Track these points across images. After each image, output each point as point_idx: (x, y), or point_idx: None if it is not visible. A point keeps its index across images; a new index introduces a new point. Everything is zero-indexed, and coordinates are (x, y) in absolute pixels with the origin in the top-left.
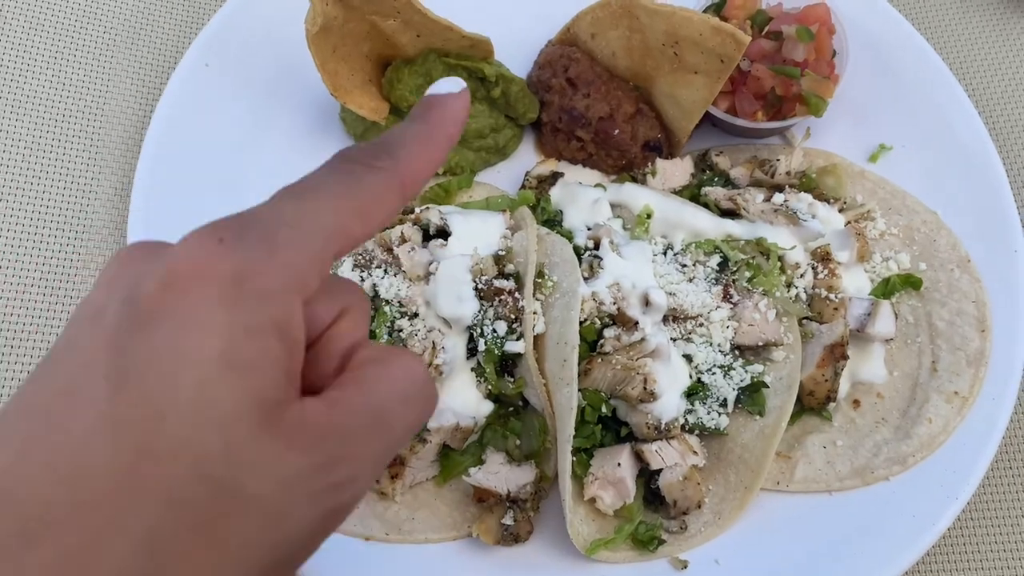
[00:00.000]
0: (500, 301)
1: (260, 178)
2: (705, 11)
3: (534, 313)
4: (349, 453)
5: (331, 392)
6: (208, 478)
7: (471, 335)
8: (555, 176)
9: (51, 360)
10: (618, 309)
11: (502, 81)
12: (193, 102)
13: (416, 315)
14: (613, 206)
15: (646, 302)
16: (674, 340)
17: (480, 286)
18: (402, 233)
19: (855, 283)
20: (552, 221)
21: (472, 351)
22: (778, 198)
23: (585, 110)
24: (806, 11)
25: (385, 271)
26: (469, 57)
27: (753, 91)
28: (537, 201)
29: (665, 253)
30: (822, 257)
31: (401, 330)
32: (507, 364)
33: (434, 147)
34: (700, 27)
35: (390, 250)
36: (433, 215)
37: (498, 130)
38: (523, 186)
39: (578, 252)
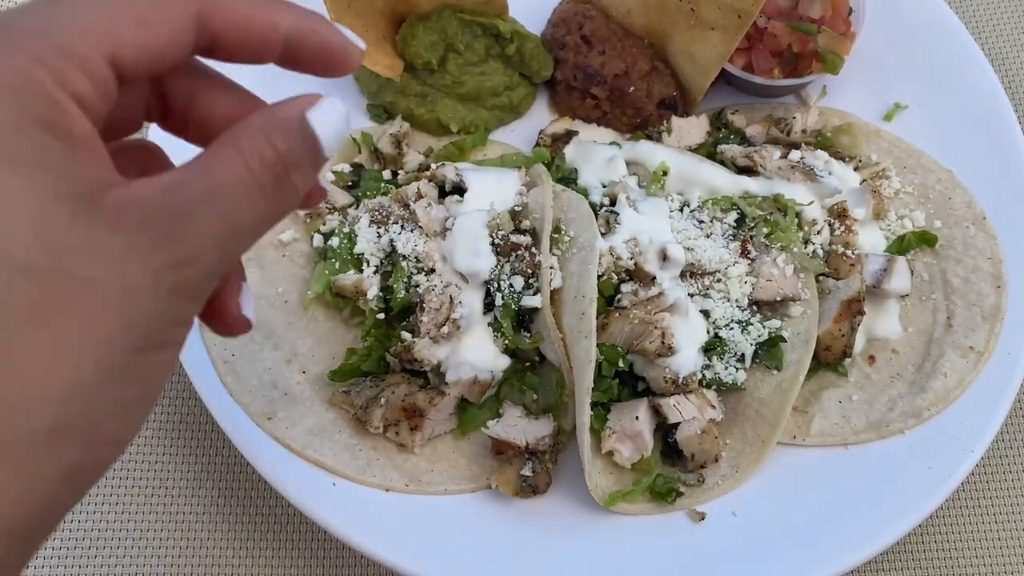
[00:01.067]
0: (517, 256)
1: None
2: None
3: (551, 268)
4: (186, 232)
5: (170, 174)
6: (31, 271)
7: (488, 290)
8: (569, 134)
9: None
10: (635, 264)
11: (517, 38)
12: None
13: (433, 270)
14: (628, 164)
15: (663, 257)
16: (691, 295)
17: (497, 241)
18: (418, 189)
19: (871, 240)
20: (567, 179)
21: (489, 306)
22: (794, 155)
23: (600, 67)
24: None
25: (402, 227)
26: (483, 13)
27: (770, 48)
28: (552, 159)
29: (682, 210)
30: (839, 214)
31: (418, 285)
32: (524, 319)
33: None
34: None
35: (407, 206)
36: (449, 171)
37: (512, 88)
38: (537, 144)
39: (594, 208)
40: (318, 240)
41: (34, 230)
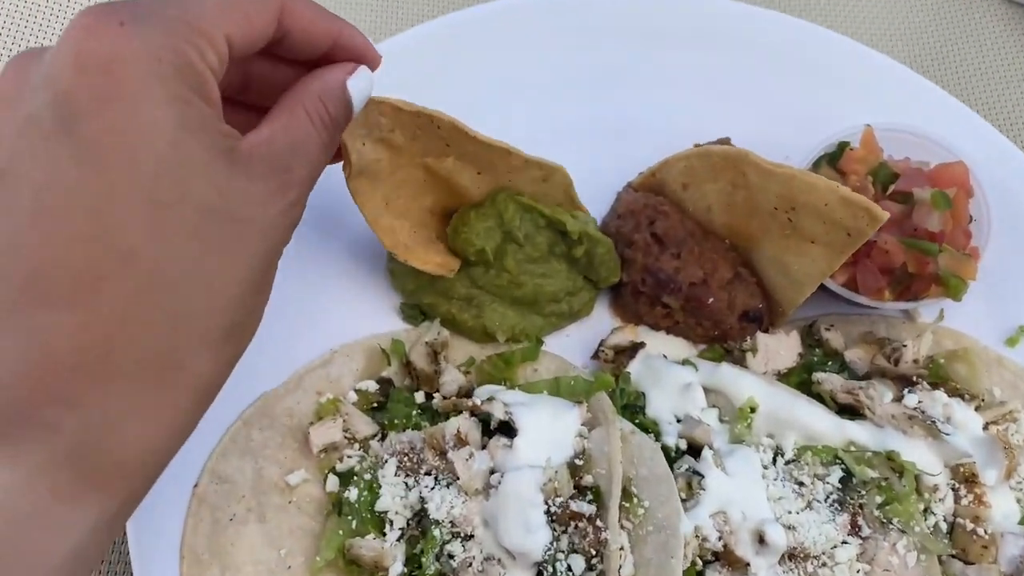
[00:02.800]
0: (577, 529)
1: (314, 337)
2: (818, 162)
3: (620, 549)
4: (292, 179)
5: (262, 131)
6: (212, 213)
7: (540, 572)
8: (635, 347)
9: (5, 185)
10: (725, 546)
11: (587, 240)
12: None
13: (471, 536)
14: (707, 391)
15: (760, 539)
16: None
17: (553, 509)
18: (458, 431)
19: (1000, 506)
20: (633, 407)
21: None
22: (911, 400)
23: (675, 273)
24: (940, 170)
25: (436, 479)
26: (543, 197)
27: (879, 264)
28: (614, 381)
29: (774, 460)
30: (966, 479)
31: (452, 556)
32: None
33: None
34: (826, 196)
35: (443, 453)
36: (496, 408)
37: (574, 293)
38: (596, 355)
39: (668, 454)
40: (332, 483)
41: (209, 181)
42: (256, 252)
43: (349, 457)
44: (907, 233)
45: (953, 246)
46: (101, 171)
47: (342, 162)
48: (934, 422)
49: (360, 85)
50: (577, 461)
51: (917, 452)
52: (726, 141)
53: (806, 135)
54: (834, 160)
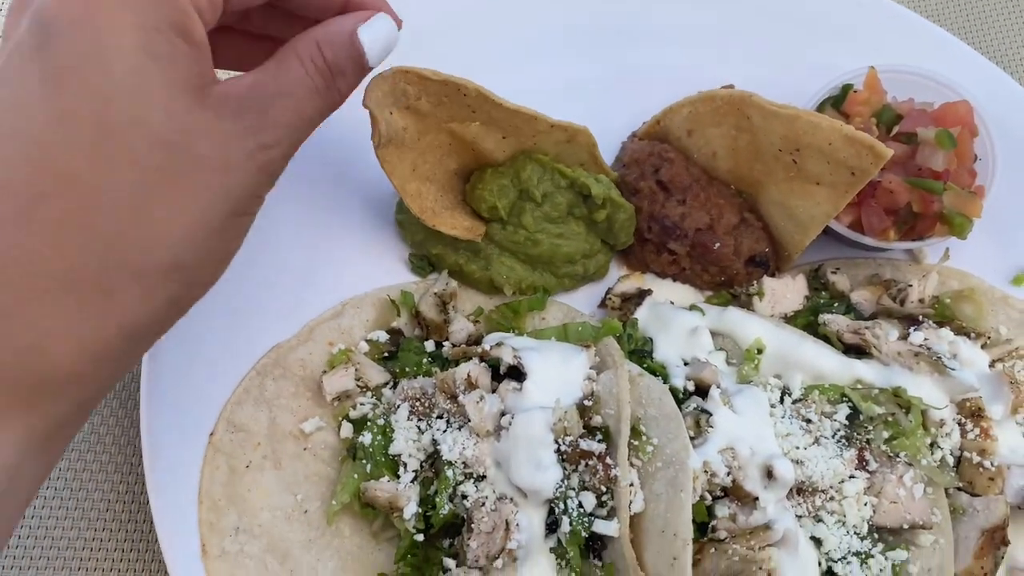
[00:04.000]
0: (588, 467)
1: (323, 290)
2: (821, 105)
3: (631, 486)
4: (268, 122)
5: (250, 75)
6: (163, 143)
7: (551, 508)
8: (642, 294)
9: None
10: (733, 481)
11: (610, 205)
12: None
13: (483, 477)
14: (713, 335)
15: (768, 474)
16: (799, 518)
17: (563, 448)
18: (468, 375)
19: (1007, 440)
20: (640, 352)
21: (552, 527)
22: (916, 337)
23: (680, 219)
24: (945, 109)
25: (448, 423)
26: (566, 159)
27: (884, 205)
28: (623, 327)
29: (782, 399)
30: (972, 413)
31: (465, 497)
32: (594, 544)
33: None
34: (829, 135)
35: (454, 397)
36: (505, 353)
37: (590, 256)
38: (603, 303)
39: (676, 395)
40: (347, 429)
41: (166, 111)
42: (213, 192)
43: (362, 404)
44: (911, 173)
45: (958, 185)
46: (59, 92)
47: (370, 131)
48: (940, 358)
49: (376, 35)
50: (586, 403)
51: (923, 388)
52: (729, 88)
53: (809, 81)
54: (838, 103)
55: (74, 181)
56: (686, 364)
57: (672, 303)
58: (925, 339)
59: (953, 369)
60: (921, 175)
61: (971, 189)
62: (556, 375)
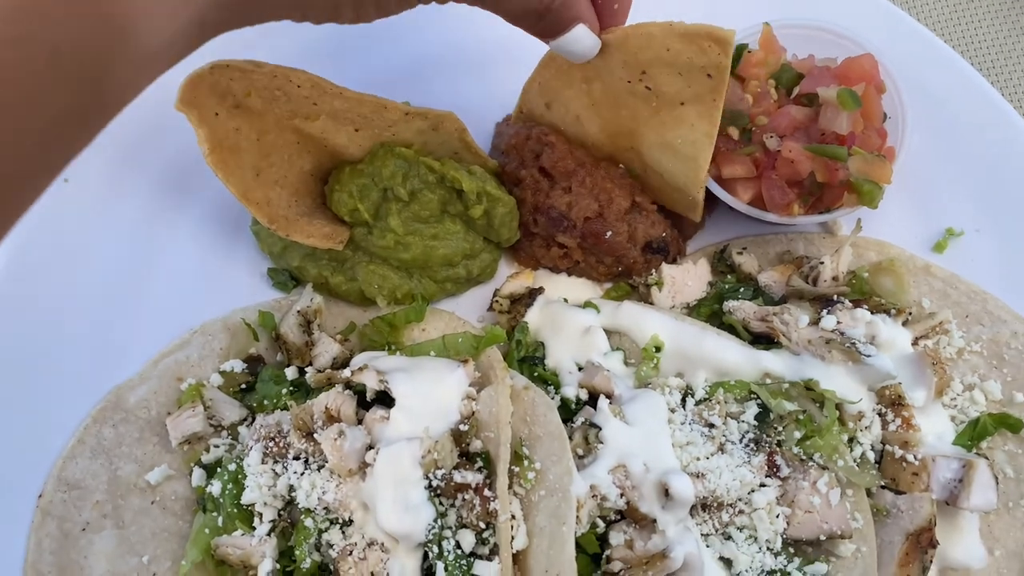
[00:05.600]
0: (464, 502)
1: (169, 317)
2: None
3: (512, 518)
4: None
5: None
6: None
7: (426, 552)
8: (532, 293)
9: None
10: (628, 503)
11: (486, 199)
12: (52, 223)
13: (351, 522)
14: (610, 333)
15: (665, 492)
16: (706, 536)
17: (435, 483)
18: (326, 408)
19: (933, 427)
20: (531, 359)
21: (430, 571)
22: (828, 321)
23: (567, 209)
24: (847, 65)
25: (307, 463)
26: (433, 151)
27: (785, 176)
28: (510, 332)
29: (684, 402)
30: (892, 401)
31: (332, 545)
32: None
33: None
34: (664, 41)
35: (310, 435)
36: (369, 378)
37: (473, 256)
38: (491, 307)
39: (568, 409)
40: (198, 476)
41: None
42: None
43: (216, 447)
44: (815, 138)
45: (866, 148)
46: None
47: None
48: (854, 344)
49: None
50: (462, 427)
51: (837, 378)
52: None
53: None
54: (732, 66)
55: None
56: (581, 369)
57: (566, 300)
58: (838, 323)
59: (869, 356)
60: (825, 140)
61: (880, 152)
62: (428, 398)
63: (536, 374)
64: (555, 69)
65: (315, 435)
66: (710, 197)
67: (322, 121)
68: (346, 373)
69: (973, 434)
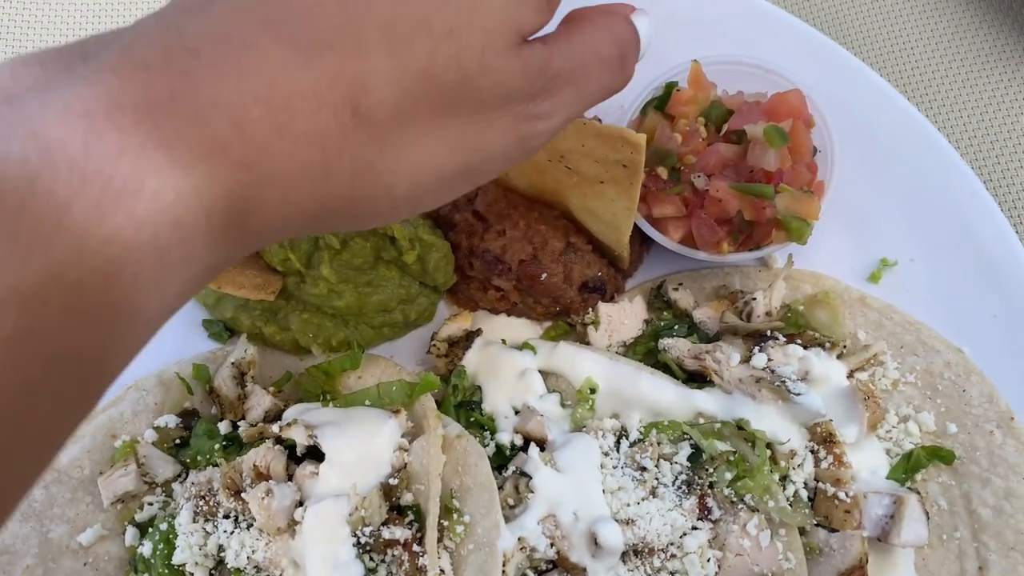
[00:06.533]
0: (394, 558)
1: None
2: (644, 109)
3: (441, 573)
4: (551, 89)
5: (547, 39)
6: (461, 68)
7: None
8: (470, 336)
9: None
10: (558, 552)
11: (419, 245)
12: None
13: None
14: (547, 374)
15: (595, 541)
16: None
17: (364, 540)
18: (255, 465)
19: (868, 461)
20: (468, 404)
21: None
22: (759, 359)
23: (502, 252)
24: (775, 100)
25: (236, 522)
26: None
27: (714, 215)
28: (448, 376)
29: (618, 444)
30: (823, 439)
31: None
32: None
33: None
34: (580, 137)
35: (238, 494)
36: (297, 433)
37: (410, 301)
38: (429, 351)
39: (503, 454)
40: (132, 536)
41: (484, 42)
42: (461, 137)
43: (150, 504)
44: (744, 175)
45: (796, 183)
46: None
47: None
48: (783, 382)
49: (642, 22)
50: (392, 481)
51: (768, 417)
52: None
53: (648, 76)
54: (662, 104)
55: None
56: (517, 413)
57: (504, 342)
58: (770, 360)
59: (798, 394)
60: (754, 177)
61: (810, 187)
62: (360, 452)
63: (473, 419)
64: None
65: (243, 494)
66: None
67: None
68: (276, 428)
69: (907, 467)
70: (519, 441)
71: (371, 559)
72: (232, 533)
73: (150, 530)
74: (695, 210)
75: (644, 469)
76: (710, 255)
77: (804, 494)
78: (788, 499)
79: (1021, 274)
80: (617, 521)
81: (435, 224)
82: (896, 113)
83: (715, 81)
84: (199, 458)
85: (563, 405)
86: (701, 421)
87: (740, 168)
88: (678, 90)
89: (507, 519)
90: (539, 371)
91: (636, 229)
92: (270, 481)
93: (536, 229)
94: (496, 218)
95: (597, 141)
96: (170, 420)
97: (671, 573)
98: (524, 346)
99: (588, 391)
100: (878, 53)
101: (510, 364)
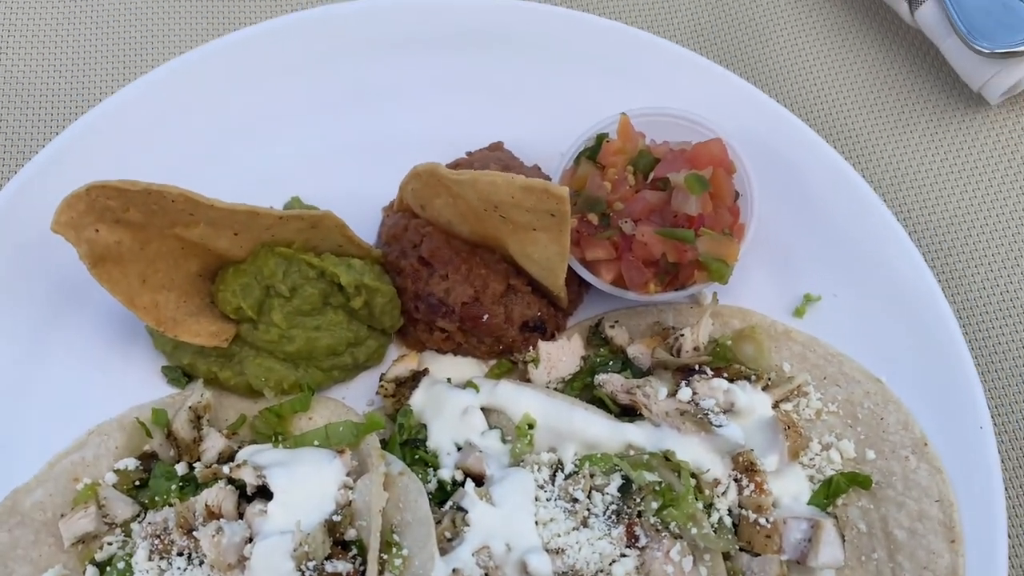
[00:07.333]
0: None
1: (68, 417)
2: (577, 159)
3: None
4: None
5: None
6: None
7: None
8: (416, 376)
9: None
10: None
11: (365, 291)
12: None
13: None
14: (489, 411)
15: (525, 569)
16: None
17: (308, 574)
18: (207, 504)
19: (790, 487)
20: (414, 441)
21: None
22: (683, 393)
23: (445, 295)
24: (697, 149)
25: (189, 559)
26: (314, 248)
27: (641, 257)
28: (395, 415)
29: (554, 476)
30: (745, 467)
31: None
32: None
33: None
34: (508, 190)
35: (191, 531)
36: (246, 473)
37: (358, 343)
38: (378, 392)
39: (445, 488)
40: (91, 574)
41: None
42: None
43: (109, 544)
44: (669, 220)
45: (718, 226)
46: None
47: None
48: (706, 415)
49: None
50: (335, 517)
51: (692, 448)
52: (498, 146)
53: (585, 125)
54: (593, 154)
55: None
56: (460, 449)
57: (450, 380)
58: (695, 394)
59: (720, 426)
60: (678, 222)
61: (731, 229)
62: (306, 490)
63: (417, 456)
64: (423, 182)
65: (195, 532)
66: None
67: (201, 229)
68: (227, 469)
69: (828, 492)
70: (460, 477)
71: None
72: (185, 570)
73: (108, 568)
74: (624, 253)
75: (576, 500)
76: (639, 295)
77: (728, 521)
78: (713, 525)
79: (935, 306)
80: (547, 551)
81: (383, 270)
82: (816, 154)
83: (643, 131)
84: (156, 499)
85: (504, 440)
86: (632, 453)
87: (665, 213)
88: (608, 141)
89: (444, 551)
90: (481, 408)
91: (573, 270)
92: (220, 520)
93: (477, 273)
94: (440, 263)
95: (524, 194)
96: (130, 463)
97: None
98: (468, 384)
99: (526, 427)
100: (797, 95)
101: (453, 402)
